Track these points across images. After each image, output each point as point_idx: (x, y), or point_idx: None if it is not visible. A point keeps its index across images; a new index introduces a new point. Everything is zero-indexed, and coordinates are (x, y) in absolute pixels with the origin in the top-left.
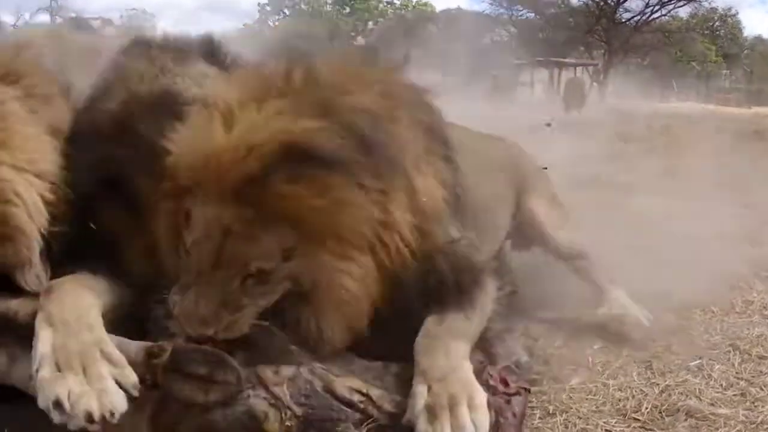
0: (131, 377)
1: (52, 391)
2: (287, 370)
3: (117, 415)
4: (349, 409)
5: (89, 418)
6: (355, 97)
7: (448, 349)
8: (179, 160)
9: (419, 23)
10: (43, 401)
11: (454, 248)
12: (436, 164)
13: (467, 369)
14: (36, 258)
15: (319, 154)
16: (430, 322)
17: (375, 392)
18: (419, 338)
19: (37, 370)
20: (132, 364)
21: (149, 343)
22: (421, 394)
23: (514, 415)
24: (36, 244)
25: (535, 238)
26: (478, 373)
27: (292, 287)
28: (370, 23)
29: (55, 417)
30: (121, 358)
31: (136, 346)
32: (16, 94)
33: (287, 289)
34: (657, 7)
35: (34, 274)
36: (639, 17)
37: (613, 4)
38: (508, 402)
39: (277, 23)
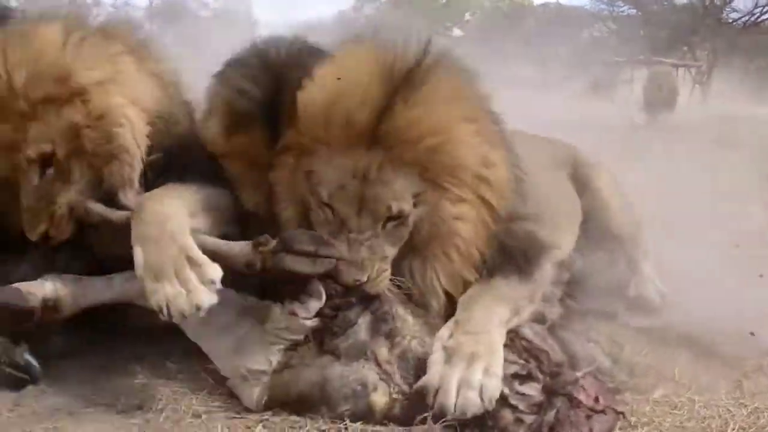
0: (215, 273)
1: (155, 300)
2: (399, 347)
3: (203, 310)
4: None
5: (182, 316)
6: None
7: (488, 310)
8: (299, 122)
9: (517, 16)
10: (153, 307)
11: (525, 220)
12: (502, 148)
13: (499, 336)
14: (136, 179)
15: (436, 86)
16: (481, 281)
17: None
18: (463, 297)
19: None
20: (238, 255)
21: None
22: (443, 337)
23: (591, 431)
24: (138, 166)
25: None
26: (571, 384)
27: (409, 237)
28: (467, 14)
29: (164, 318)
30: (204, 259)
31: (240, 243)
32: (126, 49)
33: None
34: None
35: (134, 194)
36: (747, 18)
37: (719, 3)
38: (589, 417)
39: (372, 11)
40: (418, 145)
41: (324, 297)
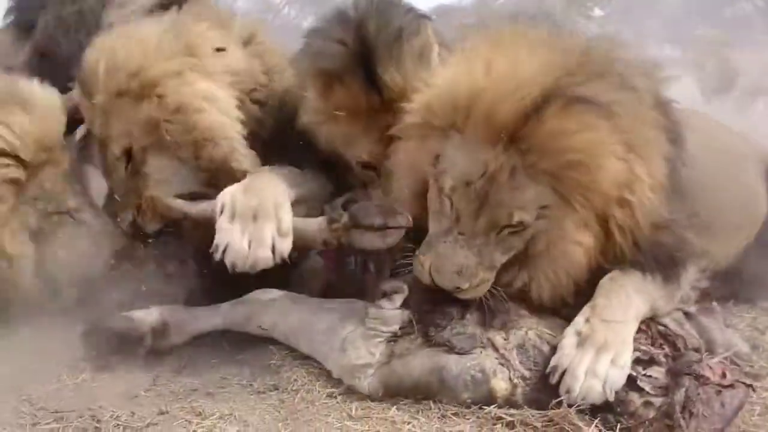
0: (285, 246)
1: (221, 238)
2: (515, 338)
3: (256, 269)
4: None
5: (233, 267)
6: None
7: (627, 301)
8: (435, 100)
9: None
10: (213, 244)
11: (675, 227)
12: (662, 143)
13: (632, 328)
14: (241, 149)
15: (590, 98)
16: (624, 270)
17: None
18: (604, 280)
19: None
20: (316, 233)
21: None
22: (578, 322)
23: (723, 405)
24: (238, 138)
25: None
26: (695, 363)
27: (522, 247)
28: None
29: (216, 257)
30: (288, 228)
31: (317, 220)
32: (212, 25)
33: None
34: None
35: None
36: None
37: None
38: (719, 393)
39: None
40: (559, 156)
41: (406, 290)
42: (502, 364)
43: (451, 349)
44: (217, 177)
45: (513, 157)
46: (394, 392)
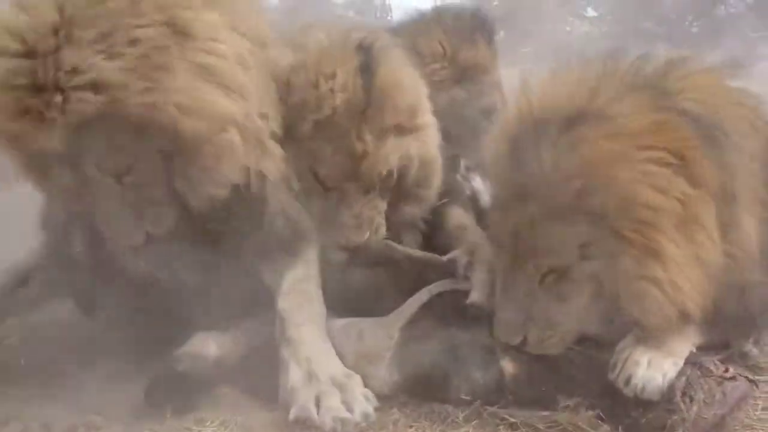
0: None
1: None
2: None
3: None
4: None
5: None
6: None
7: (688, 323)
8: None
9: None
10: None
11: (758, 288)
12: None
13: (687, 345)
14: None
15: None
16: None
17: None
18: None
19: None
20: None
21: None
22: (630, 340)
23: (724, 395)
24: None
25: None
26: (697, 356)
27: (597, 290)
28: None
29: None
30: None
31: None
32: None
33: (594, 291)
34: None
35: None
36: None
37: None
38: (720, 383)
39: None
40: (566, 188)
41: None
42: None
43: (463, 328)
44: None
45: (534, 205)
46: (411, 376)
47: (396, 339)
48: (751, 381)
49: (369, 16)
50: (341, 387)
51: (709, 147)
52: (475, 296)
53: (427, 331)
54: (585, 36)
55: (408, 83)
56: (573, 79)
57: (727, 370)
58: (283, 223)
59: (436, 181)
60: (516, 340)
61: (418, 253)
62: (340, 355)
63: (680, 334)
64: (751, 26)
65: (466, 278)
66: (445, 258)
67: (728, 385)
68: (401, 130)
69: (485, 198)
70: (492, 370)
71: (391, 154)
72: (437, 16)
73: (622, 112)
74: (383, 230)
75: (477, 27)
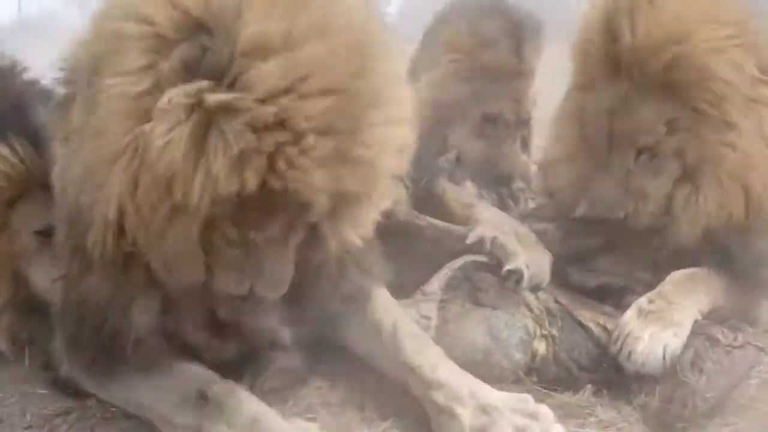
0: None
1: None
2: (542, 301)
3: None
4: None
5: None
6: None
7: (693, 288)
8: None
9: None
10: None
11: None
12: None
13: (693, 312)
14: None
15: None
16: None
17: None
18: (676, 272)
19: None
20: None
21: None
22: (642, 302)
23: (733, 364)
24: None
25: None
26: (703, 326)
27: (680, 167)
28: None
29: None
30: None
31: None
32: None
33: (677, 171)
34: None
35: None
36: None
37: None
38: (728, 353)
39: None
40: (654, 62)
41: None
42: (536, 322)
43: (495, 308)
44: None
45: (622, 84)
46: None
47: (434, 321)
48: (759, 349)
49: None
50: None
51: None
52: (514, 264)
53: (462, 313)
54: None
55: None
56: None
57: (735, 338)
58: None
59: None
60: (620, 214)
61: (441, 223)
62: None
63: (686, 300)
64: None
65: (491, 254)
66: (467, 239)
67: (737, 354)
68: None
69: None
70: (527, 351)
71: None
72: (469, 6)
73: None
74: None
75: (508, 28)
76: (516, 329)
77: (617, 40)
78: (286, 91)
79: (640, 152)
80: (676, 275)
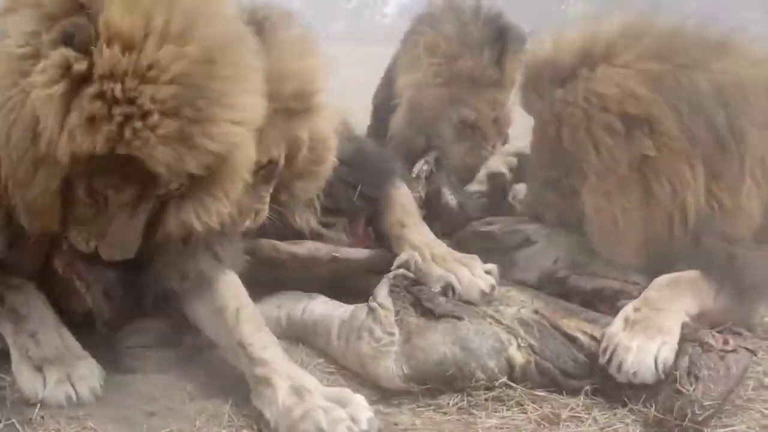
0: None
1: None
2: (510, 314)
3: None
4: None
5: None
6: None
7: (678, 292)
8: None
9: None
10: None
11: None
12: None
13: (680, 318)
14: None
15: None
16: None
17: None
18: (660, 277)
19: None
20: None
21: None
22: (628, 311)
23: (728, 369)
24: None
25: None
26: (695, 331)
27: None
28: None
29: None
30: None
31: None
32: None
33: None
34: None
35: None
36: None
37: None
38: (722, 358)
39: None
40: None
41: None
42: (512, 334)
43: (458, 318)
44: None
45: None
46: (421, 370)
47: (397, 336)
48: (750, 351)
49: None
50: None
51: None
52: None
53: (422, 326)
54: (581, 14)
55: (296, 67)
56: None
57: (726, 342)
58: None
59: (330, 156)
60: None
61: (303, 250)
62: (343, 357)
63: (671, 305)
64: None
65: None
66: (393, 267)
67: (730, 358)
68: (290, 114)
69: (450, 198)
70: (501, 359)
71: (273, 142)
72: (453, 11)
73: None
74: (264, 215)
75: (491, 38)
76: (486, 337)
77: None
78: (133, 73)
79: None
80: (660, 280)
